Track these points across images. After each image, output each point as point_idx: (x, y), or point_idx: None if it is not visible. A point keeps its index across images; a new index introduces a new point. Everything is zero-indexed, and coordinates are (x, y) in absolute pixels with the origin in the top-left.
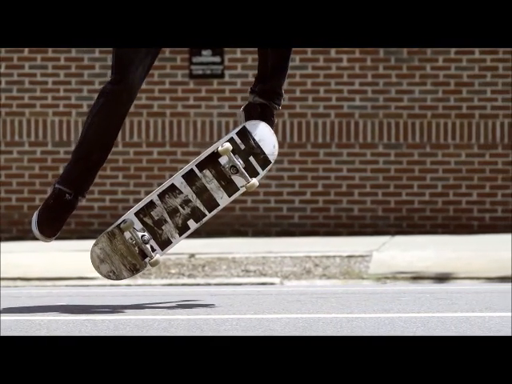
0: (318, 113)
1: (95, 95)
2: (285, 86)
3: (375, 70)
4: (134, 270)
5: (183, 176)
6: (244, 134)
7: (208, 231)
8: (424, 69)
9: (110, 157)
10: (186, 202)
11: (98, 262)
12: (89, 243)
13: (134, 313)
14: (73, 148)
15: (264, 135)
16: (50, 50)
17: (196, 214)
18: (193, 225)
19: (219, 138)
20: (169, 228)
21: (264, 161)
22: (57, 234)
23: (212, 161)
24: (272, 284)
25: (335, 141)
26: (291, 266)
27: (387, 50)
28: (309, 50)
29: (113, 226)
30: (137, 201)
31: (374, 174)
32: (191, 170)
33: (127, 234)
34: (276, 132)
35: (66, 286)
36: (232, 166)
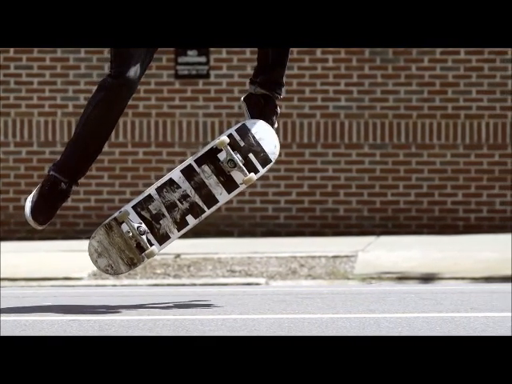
0: (304, 113)
1: (80, 95)
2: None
3: (361, 71)
4: (131, 265)
5: (182, 171)
6: (244, 132)
7: (193, 231)
8: (409, 69)
9: None
10: (185, 196)
11: (96, 256)
12: (74, 243)
13: (119, 313)
14: (58, 148)
15: (265, 134)
16: (35, 50)
17: (195, 210)
18: (192, 220)
19: (205, 138)
20: (167, 223)
21: (264, 159)
22: (49, 221)
23: (211, 156)
24: (257, 284)
25: (321, 141)
26: (277, 266)
27: (372, 51)
28: (295, 50)
29: (110, 218)
30: (122, 201)
31: (360, 175)
32: (189, 165)
33: (124, 227)
34: None
35: (52, 286)
36: (230, 159)
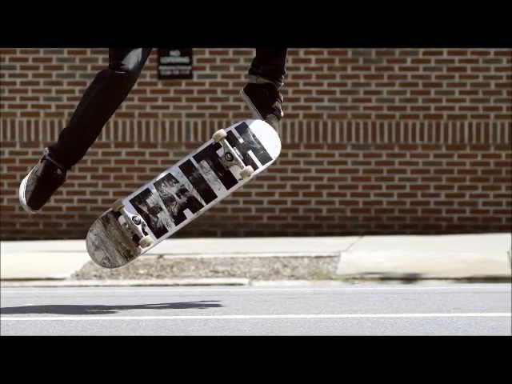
0: (287, 113)
1: (63, 96)
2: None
3: (343, 71)
4: (128, 257)
5: (180, 166)
6: (243, 130)
7: (176, 232)
8: (392, 69)
9: None
10: (182, 191)
11: (94, 249)
12: (57, 244)
13: (101, 313)
14: (41, 148)
15: (265, 134)
16: (18, 50)
17: (193, 204)
18: (189, 215)
19: (187, 138)
20: (164, 216)
21: (264, 156)
22: (42, 206)
23: (210, 152)
24: (240, 284)
25: (303, 141)
26: (260, 266)
27: (355, 51)
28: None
29: (107, 211)
30: (105, 201)
31: (343, 175)
32: (188, 160)
33: (121, 219)
34: None
35: (35, 286)
36: (227, 152)
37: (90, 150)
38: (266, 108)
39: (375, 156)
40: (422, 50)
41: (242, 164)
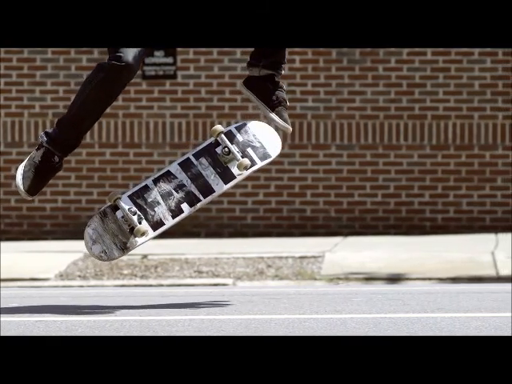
0: None
1: (48, 96)
2: (237, 87)
3: (328, 71)
4: (124, 249)
5: (179, 164)
6: (244, 130)
7: (160, 232)
8: (376, 70)
9: None
10: (181, 186)
11: (91, 243)
12: (41, 244)
13: (86, 314)
14: (25, 149)
15: (266, 134)
16: (1, 50)
17: (190, 198)
18: (186, 208)
19: (172, 139)
20: (161, 210)
21: (263, 154)
22: (39, 192)
23: (209, 150)
24: (224, 285)
25: (288, 142)
26: (244, 266)
27: (340, 51)
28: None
29: (105, 205)
30: (89, 202)
31: (327, 175)
32: (188, 158)
33: (119, 213)
34: None
35: (19, 287)
36: (224, 147)
37: (74, 150)
38: (271, 100)
39: (359, 156)
40: (406, 50)
41: (239, 156)
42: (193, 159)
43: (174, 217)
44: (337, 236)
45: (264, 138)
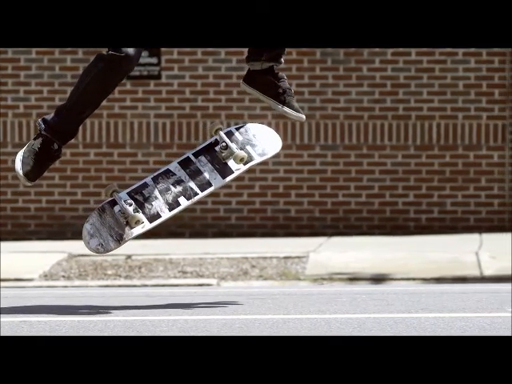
0: (255, 114)
1: (32, 96)
2: (221, 88)
3: (312, 72)
4: (120, 240)
5: (179, 162)
6: (244, 130)
7: (145, 232)
8: (360, 70)
9: None
10: (179, 182)
11: (88, 237)
12: (25, 245)
13: (70, 314)
14: (9, 149)
15: (266, 135)
16: None
17: (187, 192)
18: (184, 202)
19: (156, 139)
20: (159, 204)
21: (262, 151)
22: (38, 178)
23: (208, 149)
24: (209, 285)
25: None
26: (228, 267)
27: (324, 51)
28: (245, 50)
29: (103, 202)
30: (73, 202)
31: (311, 175)
32: (187, 157)
33: (116, 208)
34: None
35: (3, 287)
36: (222, 141)
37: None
38: (278, 94)
39: (343, 156)
40: (390, 50)
41: (235, 149)
42: (192, 158)
43: (170, 210)
44: (321, 236)
45: (264, 137)
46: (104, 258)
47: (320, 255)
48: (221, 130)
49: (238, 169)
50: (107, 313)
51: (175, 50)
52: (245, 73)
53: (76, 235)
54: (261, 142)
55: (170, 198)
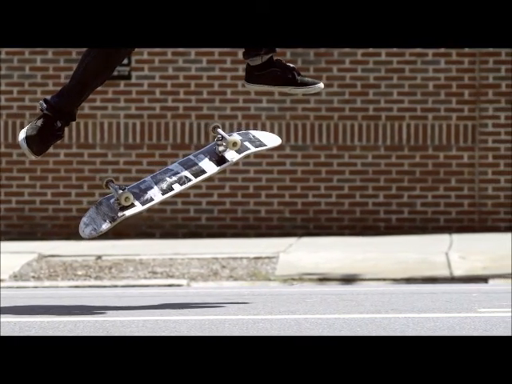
0: (225, 114)
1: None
2: (192, 88)
3: None
4: (112, 221)
5: (179, 162)
6: (245, 133)
7: (115, 232)
8: (330, 70)
9: (15, 158)
10: (175, 173)
11: (84, 227)
12: None
13: (39, 315)
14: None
15: (266, 136)
16: None
17: (182, 180)
18: (177, 187)
19: (126, 139)
20: (153, 191)
21: (259, 143)
22: (42, 154)
23: (207, 149)
24: (179, 286)
25: None
26: (198, 267)
27: (294, 52)
28: (216, 51)
29: (101, 198)
30: (43, 202)
31: (281, 176)
32: (188, 158)
33: (112, 200)
34: (182, 134)
35: None
36: (218, 135)
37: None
38: (287, 79)
39: (313, 157)
40: (360, 51)
41: (227, 136)
42: (192, 157)
43: (163, 194)
44: (291, 237)
45: (264, 137)
46: (74, 258)
47: (290, 256)
48: (218, 127)
49: (232, 158)
50: (77, 313)
51: (145, 51)
52: (217, 73)
53: (46, 236)
54: (260, 139)
55: (164, 186)
